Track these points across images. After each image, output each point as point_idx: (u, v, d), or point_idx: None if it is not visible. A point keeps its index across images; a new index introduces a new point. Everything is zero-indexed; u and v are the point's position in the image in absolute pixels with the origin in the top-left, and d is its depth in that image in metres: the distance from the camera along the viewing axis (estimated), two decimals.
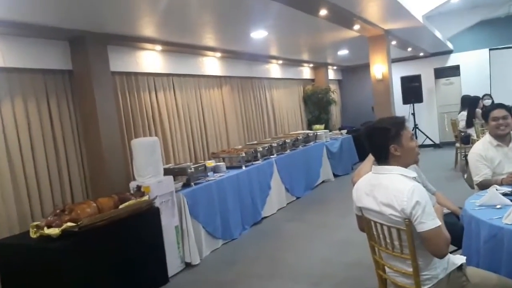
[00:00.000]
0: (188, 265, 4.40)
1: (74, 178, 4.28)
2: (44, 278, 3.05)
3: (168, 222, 4.20)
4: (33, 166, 3.90)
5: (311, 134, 7.94)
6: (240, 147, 6.58)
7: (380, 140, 2.05)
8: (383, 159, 2.07)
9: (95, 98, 4.14)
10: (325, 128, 9.13)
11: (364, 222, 2.21)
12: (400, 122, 2.08)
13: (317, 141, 8.06)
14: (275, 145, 6.58)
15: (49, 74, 4.12)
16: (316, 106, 9.94)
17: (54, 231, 3.08)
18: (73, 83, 4.29)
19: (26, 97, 3.90)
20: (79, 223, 3.16)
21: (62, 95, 4.23)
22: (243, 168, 5.66)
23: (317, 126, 9.20)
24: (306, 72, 10.04)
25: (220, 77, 6.77)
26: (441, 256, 1.94)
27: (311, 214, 5.95)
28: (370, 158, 2.30)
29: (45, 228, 3.12)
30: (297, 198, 6.89)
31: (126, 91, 4.93)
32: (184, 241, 4.40)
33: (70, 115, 4.30)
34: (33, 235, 3.17)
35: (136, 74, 5.10)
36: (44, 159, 4.00)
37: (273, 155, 6.47)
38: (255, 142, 7.32)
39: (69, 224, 3.13)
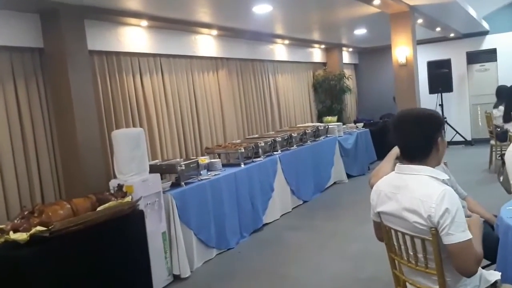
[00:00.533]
0: (176, 278, 4.42)
1: (45, 174, 4.29)
2: None
3: (154, 227, 4.21)
4: None
5: (322, 127, 7.95)
6: (238, 141, 6.60)
7: (431, 130, 2.03)
8: (422, 155, 2.03)
9: (69, 82, 4.14)
10: (338, 121, 9.13)
11: (383, 231, 2.22)
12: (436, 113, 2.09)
13: (328, 135, 8.07)
14: (280, 139, 6.60)
15: (16, 53, 4.12)
16: (327, 94, 9.94)
17: (21, 236, 3.09)
18: (44, 63, 4.29)
19: None
20: (50, 227, 3.16)
21: (32, 78, 4.24)
22: (242, 166, 5.68)
23: (329, 118, 9.21)
24: (316, 54, 10.03)
25: (216, 58, 6.76)
26: (469, 275, 1.96)
27: (321, 221, 5.97)
28: (391, 156, 2.30)
29: (11, 233, 3.11)
30: (304, 202, 6.91)
31: (106, 73, 4.94)
32: (173, 250, 4.42)
33: (41, 101, 4.30)
34: None
35: (118, 54, 5.10)
36: (9, 152, 4.02)
37: (277, 151, 6.49)
38: (256, 135, 7.34)
39: (39, 228, 3.13)
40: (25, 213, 3.24)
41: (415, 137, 2.03)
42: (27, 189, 4.15)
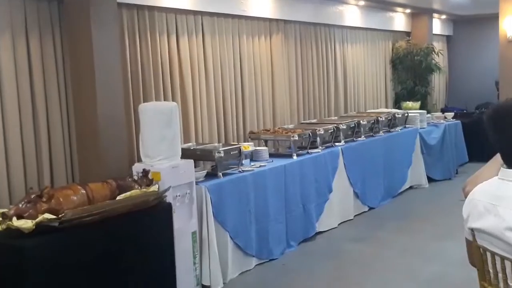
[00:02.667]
0: None
1: (56, 152, 4.45)
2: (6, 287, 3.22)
3: (183, 225, 4.32)
4: (1, 131, 4.09)
5: (399, 115, 7.85)
6: (291, 126, 6.61)
7: None
8: None
9: (91, 40, 4.24)
10: (421, 108, 8.97)
11: (475, 253, 2.19)
12: None
13: (407, 126, 7.96)
14: (344, 127, 6.57)
15: (30, 1, 4.26)
16: (410, 73, 9.80)
17: (26, 223, 3.21)
18: (63, 15, 4.43)
19: None
20: (60, 215, 3.29)
21: (47, 33, 4.38)
22: (294, 157, 5.71)
23: (409, 104, 9.06)
24: (399, 20, 9.87)
25: (270, 20, 6.79)
26: None
27: (389, 233, 5.94)
28: (497, 160, 2.22)
29: (14, 219, 3.23)
30: (371, 208, 6.87)
31: (136, 32, 5.05)
32: (203, 255, 4.52)
33: (57, 63, 4.45)
34: None
35: (152, 8, 5.21)
36: (17, 124, 4.18)
37: (339, 142, 6.47)
38: (314, 121, 7.34)
39: (47, 216, 3.26)
40: (32, 196, 3.35)
41: None
42: (34, 169, 4.32)
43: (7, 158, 4.14)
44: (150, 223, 3.91)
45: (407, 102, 9.23)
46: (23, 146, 4.24)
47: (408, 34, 10.19)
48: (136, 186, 3.90)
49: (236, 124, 6.33)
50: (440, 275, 4.65)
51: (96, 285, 3.50)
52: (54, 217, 3.27)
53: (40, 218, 3.23)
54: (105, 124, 4.32)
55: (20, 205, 3.30)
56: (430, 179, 8.08)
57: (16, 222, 3.20)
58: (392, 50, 9.83)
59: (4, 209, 3.39)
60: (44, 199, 3.35)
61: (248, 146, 5.44)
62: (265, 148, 5.78)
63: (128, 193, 3.77)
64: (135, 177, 4.06)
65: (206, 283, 4.53)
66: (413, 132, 7.90)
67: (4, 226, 3.25)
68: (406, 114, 8.05)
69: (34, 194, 3.38)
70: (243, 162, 5.15)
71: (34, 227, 3.19)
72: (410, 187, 7.87)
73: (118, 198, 3.73)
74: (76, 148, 4.54)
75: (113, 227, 3.60)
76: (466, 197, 2.23)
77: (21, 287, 3.18)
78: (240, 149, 5.07)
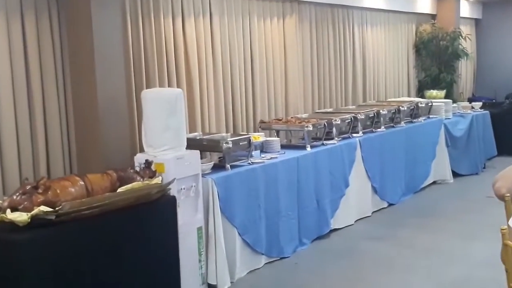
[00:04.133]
0: None
1: (53, 140, 4.48)
2: None
3: (188, 220, 4.33)
4: None
5: (423, 105, 7.82)
6: (305, 116, 6.61)
7: None
8: None
9: (91, 21, 4.24)
10: (446, 97, 8.95)
11: (506, 252, 2.18)
12: None
13: (431, 116, 7.93)
14: (362, 117, 6.56)
15: None
16: (434, 59, 9.76)
17: (21, 216, 3.23)
18: None
19: None
20: (57, 208, 3.31)
21: (44, 13, 4.39)
22: (308, 149, 5.71)
23: (434, 93, 9.03)
24: (423, 2, 9.81)
25: (283, 1, 6.77)
26: None
27: (411, 232, 5.93)
28: None
29: (8, 211, 3.26)
30: (390, 204, 6.87)
31: (139, 14, 5.05)
32: (209, 252, 4.54)
33: (54, 46, 4.47)
34: None
35: None
36: (11, 110, 4.21)
37: (357, 132, 6.46)
38: (330, 110, 7.31)
39: (43, 208, 3.28)
40: (27, 188, 3.38)
41: None
42: (29, 158, 4.35)
43: (0, 146, 4.17)
44: (153, 217, 3.92)
45: (431, 90, 9.20)
46: (18, 133, 4.27)
47: (433, 16, 10.12)
48: (138, 178, 3.91)
49: (245, 112, 6.33)
50: (465, 278, 4.64)
51: (94, 282, 3.52)
52: (51, 209, 3.29)
53: (35, 210, 3.25)
54: (105, 111, 4.34)
55: (15, 197, 3.33)
56: (455, 174, 8.05)
57: (10, 215, 3.23)
58: (416, 34, 9.78)
59: None
60: (40, 191, 3.37)
61: (258, 137, 5.43)
62: (276, 138, 5.78)
63: (129, 185, 3.79)
64: (137, 168, 4.08)
65: (212, 282, 4.55)
66: (437, 123, 7.87)
67: None
68: (430, 104, 8.02)
69: (30, 185, 3.40)
70: (252, 153, 5.16)
71: (29, 220, 3.22)
72: (434, 182, 7.84)
73: (119, 190, 3.74)
74: (74, 136, 4.57)
75: (113, 222, 3.63)
76: (496, 194, 2.22)
77: (15, 284, 3.22)
78: (249, 140, 5.07)
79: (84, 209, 3.44)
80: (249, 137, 5.12)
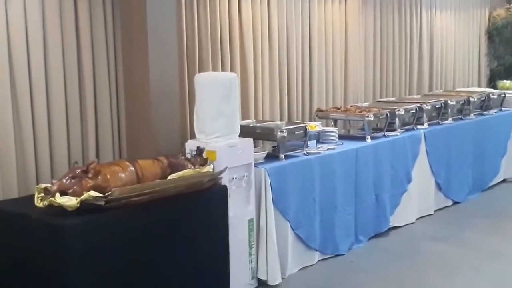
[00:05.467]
0: (262, 284, 4.60)
1: (103, 124, 4.61)
2: (45, 269, 3.38)
3: (239, 211, 4.39)
4: (45, 100, 4.26)
5: (495, 96, 7.71)
6: (365, 105, 6.59)
7: None
8: None
9: (146, 5, 4.33)
10: None
11: None
12: None
13: (503, 109, 7.84)
14: (428, 107, 6.49)
15: None
16: (509, 46, 9.60)
17: (70, 201, 3.32)
18: None
19: None
20: (107, 193, 3.41)
21: None
22: (368, 140, 5.69)
23: (507, 83, 8.87)
24: None
25: None
26: None
27: (478, 233, 5.86)
28: None
29: (57, 195, 3.35)
30: (455, 203, 6.81)
31: None
32: (260, 246, 4.60)
33: (106, 28, 4.58)
34: (38, 203, 3.43)
35: None
36: (61, 92, 4.35)
37: (422, 124, 6.41)
38: (393, 99, 7.28)
39: (93, 193, 3.38)
40: (77, 172, 3.46)
41: None
42: (78, 140, 4.49)
43: (50, 129, 4.32)
44: (203, 207, 3.99)
45: (504, 81, 9.05)
46: (67, 116, 4.41)
47: (508, 0, 9.90)
48: (189, 166, 3.98)
49: (301, 100, 6.36)
50: None
51: (141, 271, 3.61)
52: (101, 195, 3.38)
53: (85, 195, 3.34)
54: (157, 95, 4.44)
55: (64, 181, 3.42)
56: None
57: (59, 199, 3.31)
58: (489, 19, 9.63)
59: (47, 184, 3.52)
60: (90, 175, 3.45)
61: (314, 126, 5.45)
62: (334, 128, 5.78)
63: (180, 173, 3.85)
64: (188, 155, 4.15)
65: (262, 277, 4.61)
66: (510, 117, 7.77)
67: (46, 203, 3.37)
68: (503, 95, 7.91)
69: (79, 169, 3.48)
70: (308, 143, 5.18)
71: (78, 205, 3.31)
72: (504, 180, 7.74)
73: (169, 177, 3.82)
74: (124, 120, 4.69)
75: (163, 209, 3.71)
76: None
77: (63, 269, 3.33)
78: (305, 129, 5.08)
79: (134, 195, 3.51)
80: (305, 126, 5.13)
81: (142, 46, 4.41)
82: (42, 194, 3.43)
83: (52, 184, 3.50)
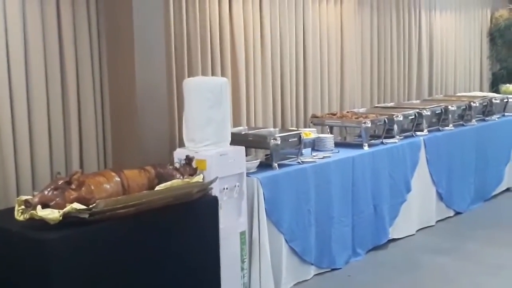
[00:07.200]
0: None
1: (87, 132, 4.59)
2: (27, 286, 3.35)
3: (231, 223, 4.39)
4: (25, 104, 4.23)
5: (497, 101, 7.73)
6: (362, 110, 6.61)
7: None
8: None
9: (132, 3, 4.31)
10: None
11: None
12: None
13: (506, 114, 7.86)
14: (428, 113, 6.51)
15: None
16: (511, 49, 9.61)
17: (52, 214, 3.30)
18: None
19: None
20: (91, 205, 3.38)
21: None
22: (365, 148, 5.71)
23: (510, 87, 8.91)
24: None
25: None
26: None
27: (481, 245, 5.88)
28: None
29: (39, 208, 3.33)
30: (457, 213, 6.83)
31: None
32: (253, 260, 4.59)
33: (90, 28, 4.57)
34: (18, 216, 3.41)
35: None
36: (43, 99, 4.32)
37: (421, 131, 6.44)
38: (391, 104, 7.29)
39: (76, 205, 3.35)
40: (59, 183, 3.44)
41: None
42: (61, 150, 4.46)
43: (31, 138, 4.29)
44: (193, 219, 3.97)
45: (507, 85, 9.11)
46: (50, 124, 4.39)
47: (511, 1, 9.95)
48: (178, 176, 3.97)
49: (295, 105, 6.36)
50: None
51: (127, 286, 3.60)
52: (84, 207, 3.36)
53: (68, 208, 3.32)
54: (144, 101, 4.42)
55: (46, 192, 3.39)
56: None
57: (41, 212, 3.29)
58: (491, 20, 9.68)
59: (27, 196, 3.48)
60: (73, 186, 3.43)
61: (309, 133, 5.43)
62: (330, 135, 5.78)
63: (168, 183, 3.84)
64: (177, 165, 4.14)
65: None
66: None
67: (26, 216, 3.35)
68: (506, 100, 7.93)
69: (62, 180, 3.46)
70: (303, 151, 5.17)
71: (61, 218, 3.28)
72: (507, 189, 7.77)
73: (157, 188, 3.80)
74: (109, 127, 4.67)
75: (150, 222, 3.69)
76: None
77: (44, 285, 3.31)
78: (300, 136, 5.08)
79: (120, 207, 3.49)
80: (300, 133, 5.13)
81: (127, 48, 4.40)
82: (23, 207, 3.40)
83: (33, 196, 3.46)
